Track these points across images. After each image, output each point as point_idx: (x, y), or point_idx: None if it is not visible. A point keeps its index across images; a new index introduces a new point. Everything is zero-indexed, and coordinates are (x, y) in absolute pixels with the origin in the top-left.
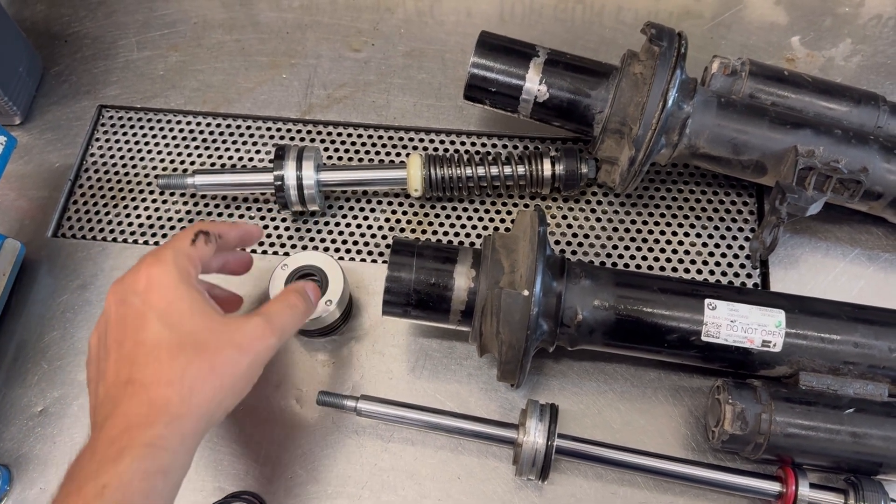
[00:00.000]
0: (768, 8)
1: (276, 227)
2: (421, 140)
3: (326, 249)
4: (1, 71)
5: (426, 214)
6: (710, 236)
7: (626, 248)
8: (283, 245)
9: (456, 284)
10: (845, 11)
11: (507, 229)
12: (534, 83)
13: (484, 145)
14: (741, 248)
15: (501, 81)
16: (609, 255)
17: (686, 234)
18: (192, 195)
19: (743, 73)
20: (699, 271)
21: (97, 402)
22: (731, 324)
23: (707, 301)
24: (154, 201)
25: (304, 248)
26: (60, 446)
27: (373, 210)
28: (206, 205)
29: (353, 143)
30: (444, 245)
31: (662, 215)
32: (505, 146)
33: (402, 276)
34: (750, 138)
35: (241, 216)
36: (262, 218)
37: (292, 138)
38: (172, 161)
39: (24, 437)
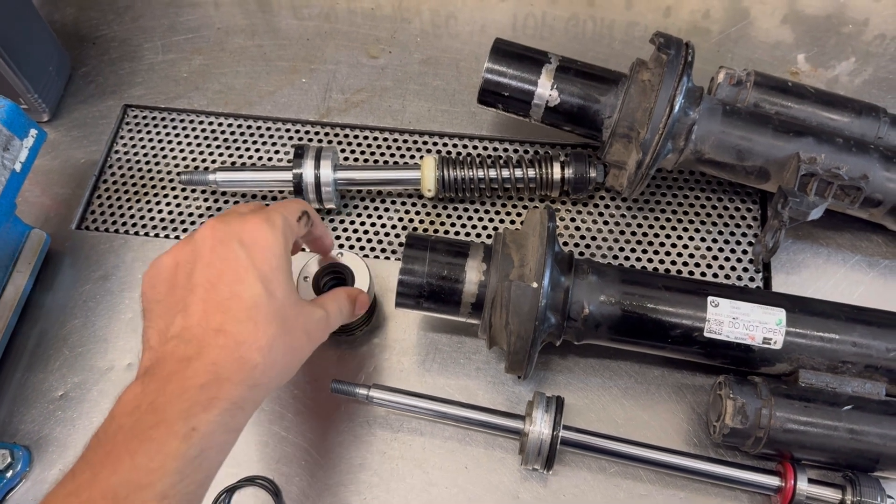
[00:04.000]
0: (774, 26)
1: None
2: (435, 143)
3: (341, 246)
4: (32, 69)
5: (438, 215)
6: (715, 241)
7: (633, 250)
8: None
9: (467, 277)
10: (849, 30)
11: (516, 230)
12: (545, 88)
13: (496, 149)
14: (744, 252)
15: (514, 86)
16: (616, 257)
17: (691, 238)
18: (213, 192)
19: (748, 83)
20: (703, 274)
21: (172, 332)
22: (733, 321)
23: (710, 298)
24: (175, 197)
25: None
26: (80, 429)
27: (387, 209)
28: (227, 201)
29: (370, 146)
30: (457, 240)
31: (668, 219)
32: (516, 150)
33: (415, 269)
34: (754, 145)
35: None
36: None
37: (310, 140)
38: (194, 159)
39: (45, 420)
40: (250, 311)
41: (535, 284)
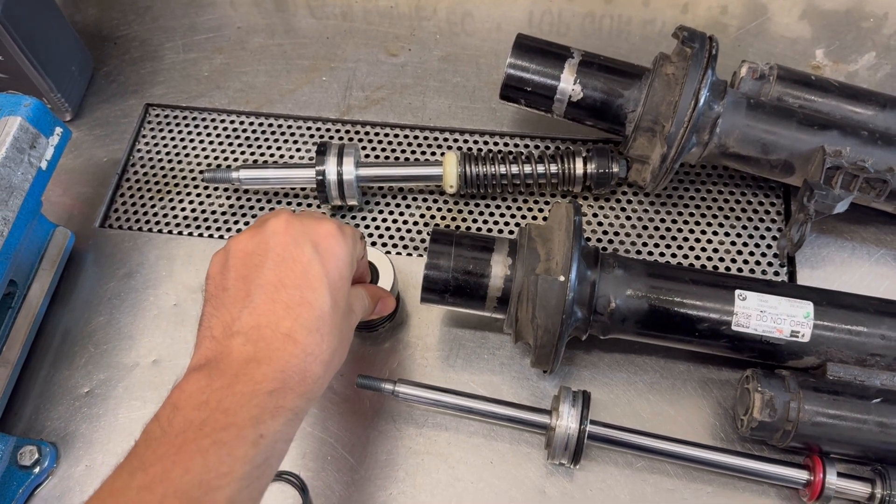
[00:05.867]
0: (793, 21)
1: None
2: (455, 140)
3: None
4: (55, 69)
5: (460, 211)
6: (739, 235)
7: (656, 245)
8: None
9: (493, 272)
10: (869, 24)
11: (540, 224)
12: (568, 83)
13: (517, 146)
14: (769, 246)
15: (537, 81)
16: (639, 252)
17: (714, 233)
18: (236, 189)
19: (771, 77)
20: (727, 269)
21: (237, 327)
22: (760, 314)
23: (737, 292)
24: (199, 195)
25: None
26: (105, 426)
27: (408, 206)
28: (248, 199)
29: (390, 143)
30: (482, 234)
31: (692, 214)
32: (537, 146)
33: (440, 264)
34: (778, 138)
35: None
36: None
37: (331, 137)
38: (216, 157)
39: (71, 417)
40: (318, 322)
41: (562, 278)
